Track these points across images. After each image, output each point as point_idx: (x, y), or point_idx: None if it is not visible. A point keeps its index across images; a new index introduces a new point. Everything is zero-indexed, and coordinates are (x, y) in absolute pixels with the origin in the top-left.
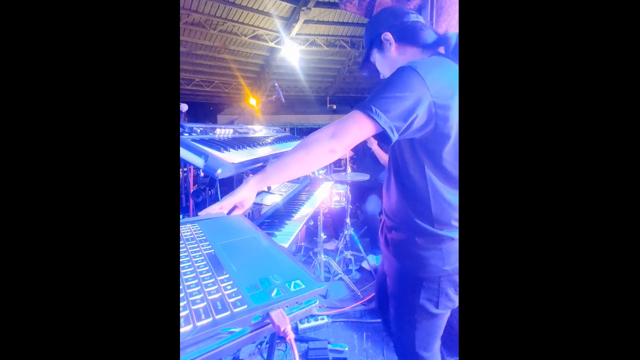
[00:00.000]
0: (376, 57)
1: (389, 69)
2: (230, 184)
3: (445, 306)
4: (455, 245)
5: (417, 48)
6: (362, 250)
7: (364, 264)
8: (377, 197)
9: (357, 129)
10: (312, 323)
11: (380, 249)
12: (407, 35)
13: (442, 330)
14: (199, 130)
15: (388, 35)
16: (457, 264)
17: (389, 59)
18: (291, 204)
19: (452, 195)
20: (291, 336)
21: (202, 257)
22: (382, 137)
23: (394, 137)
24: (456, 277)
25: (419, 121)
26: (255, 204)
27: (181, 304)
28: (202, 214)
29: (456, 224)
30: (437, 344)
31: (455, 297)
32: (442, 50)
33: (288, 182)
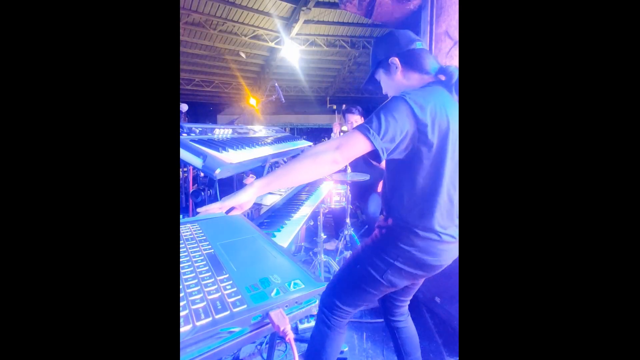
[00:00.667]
0: (382, 77)
1: (393, 90)
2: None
3: (389, 281)
4: (434, 246)
5: (421, 74)
6: None
7: None
8: (377, 196)
9: (357, 146)
10: (312, 323)
11: None
12: (413, 62)
13: (366, 300)
14: (197, 131)
15: (395, 60)
16: (429, 256)
17: (394, 80)
18: (291, 204)
19: (427, 202)
20: (291, 336)
21: (202, 257)
22: (373, 156)
23: (384, 157)
24: (413, 270)
25: (402, 146)
26: (255, 204)
27: (181, 303)
28: (202, 210)
29: (438, 227)
30: (354, 309)
31: (400, 281)
32: (442, 77)
33: None
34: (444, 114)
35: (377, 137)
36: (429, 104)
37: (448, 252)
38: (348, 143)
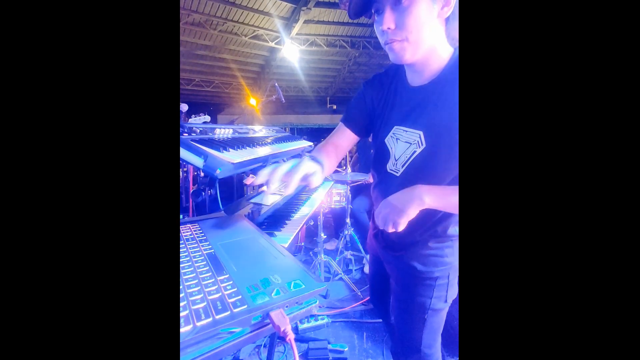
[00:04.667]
0: (418, 6)
1: (421, 33)
2: (230, 184)
3: (451, 297)
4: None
5: (457, 34)
6: (362, 250)
7: (366, 269)
8: (363, 195)
9: None
10: (312, 323)
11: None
12: (454, 17)
13: (443, 323)
14: (198, 131)
15: None
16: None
17: (433, 20)
18: (291, 204)
19: None
20: (291, 336)
21: (202, 257)
22: None
23: None
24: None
25: None
26: (255, 204)
27: (181, 304)
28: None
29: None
30: (440, 338)
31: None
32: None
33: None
34: None
35: None
36: None
37: None
38: None
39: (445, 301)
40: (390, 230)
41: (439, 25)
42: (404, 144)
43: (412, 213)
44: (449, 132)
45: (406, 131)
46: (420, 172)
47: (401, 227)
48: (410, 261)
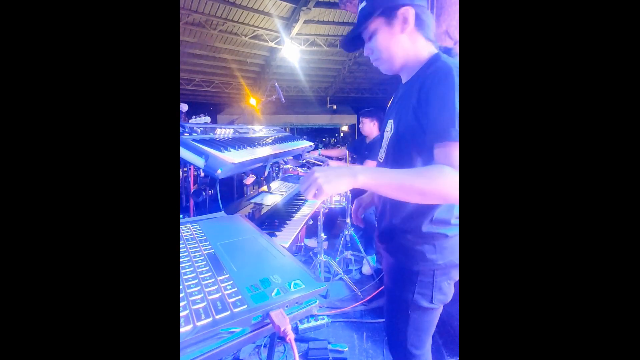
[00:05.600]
0: (380, 30)
1: (390, 52)
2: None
3: (439, 300)
4: (448, 242)
5: (427, 41)
6: (362, 250)
7: (364, 270)
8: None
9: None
10: (312, 323)
11: (374, 247)
12: (424, 21)
13: (433, 328)
14: (199, 130)
15: (409, 12)
16: (451, 258)
17: (396, 39)
18: (291, 204)
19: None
20: (291, 336)
21: (202, 257)
22: None
23: None
24: (451, 271)
25: None
26: (255, 204)
27: (181, 304)
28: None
29: (455, 221)
30: (429, 342)
31: (449, 291)
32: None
33: (288, 182)
34: None
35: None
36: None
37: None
38: (456, 160)
39: (431, 301)
40: (310, 196)
41: (408, 39)
42: (387, 132)
43: (341, 187)
44: (410, 119)
45: (389, 122)
46: (392, 156)
47: (322, 197)
48: (393, 253)
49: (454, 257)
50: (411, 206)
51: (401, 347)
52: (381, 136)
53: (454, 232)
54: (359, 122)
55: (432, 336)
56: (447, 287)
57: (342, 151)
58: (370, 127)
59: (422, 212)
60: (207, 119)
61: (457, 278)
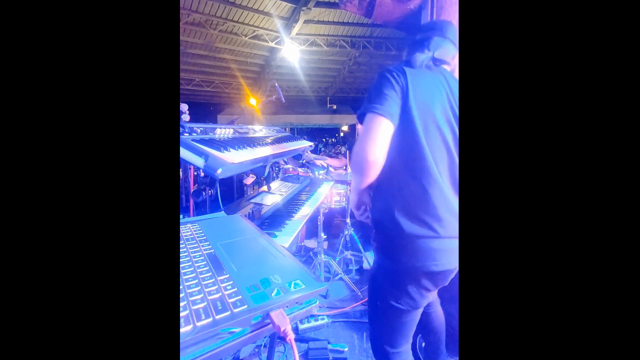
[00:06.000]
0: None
1: None
2: (230, 184)
3: (409, 303)
4: (427, 244)
5: None
6: (361, 249)
7: (365, 265)
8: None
9: None
10: (312, 323)
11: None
12: None
13: (409, 330)
14: (199, 130)
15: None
16: (415, 261)
17: None
18: (291, 204)
19: (422, 195)
20: (291, 336)
21: (202, 257)
22: None
23: None
24: (418, 275)
25: None
26: (255, 204)
27: (181, 304)
28: None
29: (431, 221)
30: (406, 344)
31: (418, 297)
32: None
33: (288, 182)
34: None
35: None
36: None
37: None
38: None
39: (398, 302)
40: None
41: None
42: None
43: None
44: None
45: None
46: None
47: None
48: (375, 252)
49: (421, 261)
50: (378, 203)
51: (377, 342)
52: None
53: (422, 232)
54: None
55: (412, 337)
56: (415, 293)
57: (342, 161)
58: None
59: (386, 209)
60: (184, 106)
61: (429, 287)
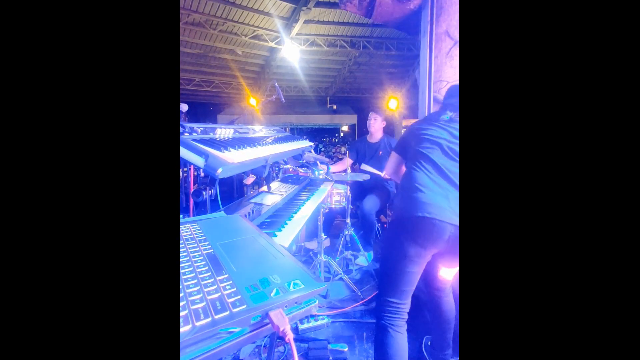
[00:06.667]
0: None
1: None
2: (230, 184)
3: (402, 253)
4: (416, 198)
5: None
6: (361, 248)
7: (359, 261)
8: (374, 196)
9: None
10: (312, 323)
11: (372, 245)
12: None
13: (404, 284)
14: (199, 130)
15: None
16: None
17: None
18: (291, 204)
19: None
20: (290, 336)
21: (202, 257)
22: None
23: None
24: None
25: None
26: (255, 204)
27: (181, 304)
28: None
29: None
30: (402, 295)
31: (410, 248)
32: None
33: (288, 182)
34: None
35: None
36: None
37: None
38: None
39: (396, 250)
40: None
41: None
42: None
43: None
44: None
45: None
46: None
47: None
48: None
49: (410, 211)
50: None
51: (379, 293)
52: (387, 143)
53: (414, 192)
54: (367, 119)
55: (409, 297)
56: (408, 240)
57: (344, 165)
58: (379, 126)
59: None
60: (184, 106)
61: (417, 238)
